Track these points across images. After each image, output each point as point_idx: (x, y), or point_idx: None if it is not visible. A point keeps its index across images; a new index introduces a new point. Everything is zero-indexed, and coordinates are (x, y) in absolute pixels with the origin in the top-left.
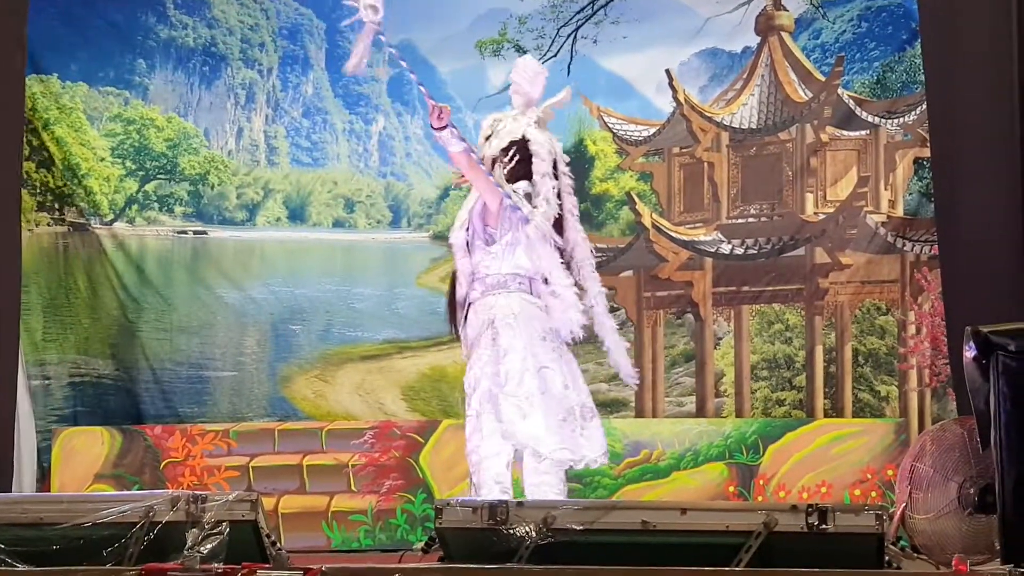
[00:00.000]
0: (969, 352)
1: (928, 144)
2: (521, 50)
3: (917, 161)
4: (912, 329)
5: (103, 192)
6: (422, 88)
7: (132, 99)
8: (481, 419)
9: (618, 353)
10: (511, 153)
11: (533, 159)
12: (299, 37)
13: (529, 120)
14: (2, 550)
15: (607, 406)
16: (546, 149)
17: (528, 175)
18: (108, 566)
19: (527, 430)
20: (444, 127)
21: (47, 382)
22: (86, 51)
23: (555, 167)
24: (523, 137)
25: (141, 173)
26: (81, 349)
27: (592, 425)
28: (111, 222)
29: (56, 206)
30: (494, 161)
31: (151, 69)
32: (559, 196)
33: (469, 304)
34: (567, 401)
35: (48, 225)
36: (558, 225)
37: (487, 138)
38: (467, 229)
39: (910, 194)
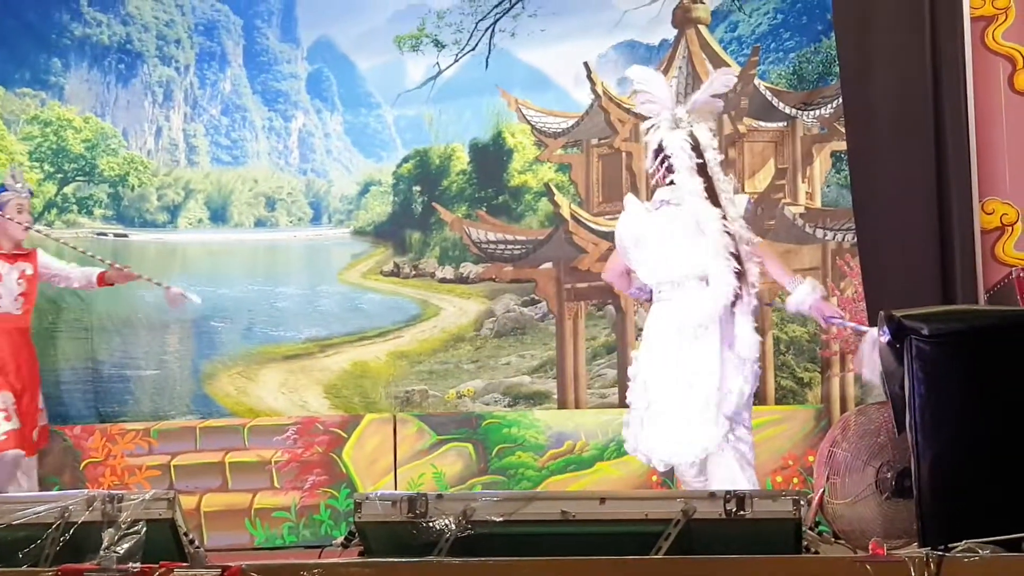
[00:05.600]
0: (883, 336)
1: (844, 138)
2: (440, 44)
3: (834, 155)
4: None
5: None
6: None
7: (49, 100)
8: None
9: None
10: (656, 162)
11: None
12: (215, 33)
13: (662, 125)
14: None
15: (530, 398)
16: (679, 147)
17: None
18: (24, 567)
19: None
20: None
21: None
22: (0, 52)
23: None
24: (659, 145)
25: (60, 176)
26: None
27: None
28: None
29: None
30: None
31: (66, 68)
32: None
33: None
34: None
35: None
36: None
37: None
38: None
39: (828, 186)
